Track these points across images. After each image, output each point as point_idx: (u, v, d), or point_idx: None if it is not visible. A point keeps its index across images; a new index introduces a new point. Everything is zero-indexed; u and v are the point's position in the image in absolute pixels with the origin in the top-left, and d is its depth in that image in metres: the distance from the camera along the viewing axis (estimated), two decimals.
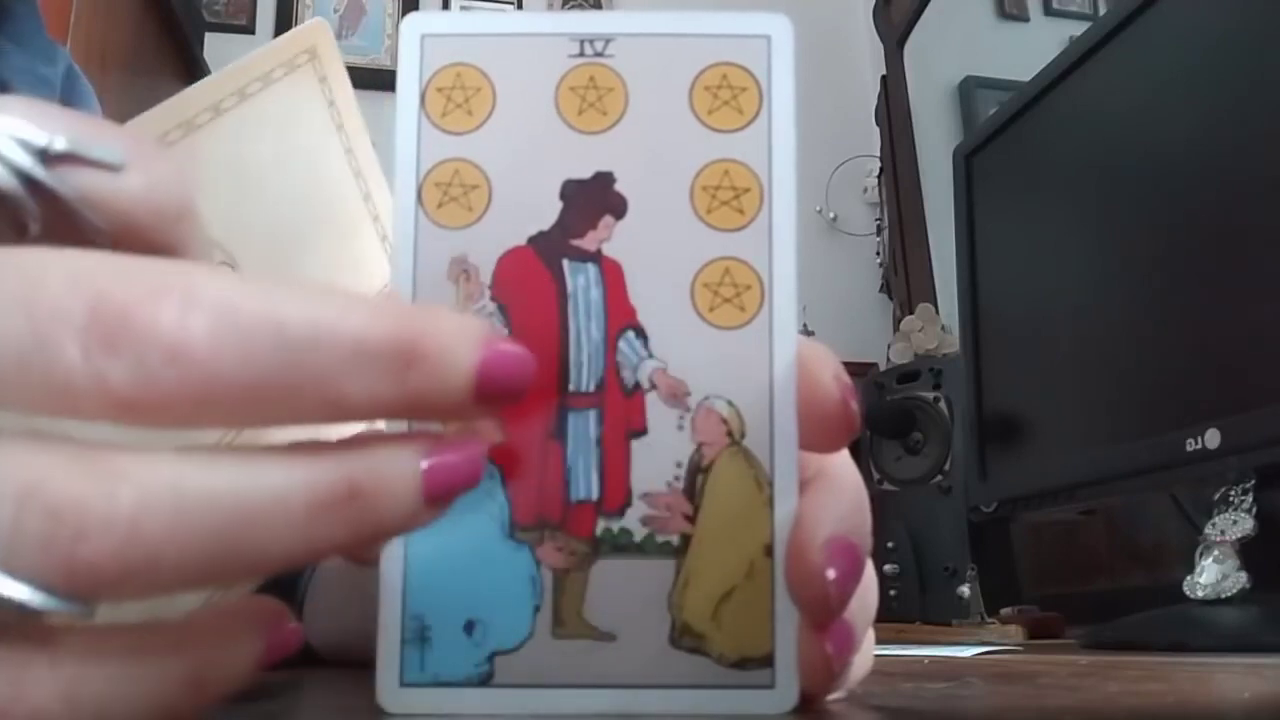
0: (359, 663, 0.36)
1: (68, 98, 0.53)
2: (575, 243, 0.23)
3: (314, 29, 0.29)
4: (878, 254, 2.12)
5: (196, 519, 0.15)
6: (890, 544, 1.12)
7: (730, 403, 0.22)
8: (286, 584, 0.47)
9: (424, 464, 0.18)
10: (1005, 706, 0.26)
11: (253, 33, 2.22)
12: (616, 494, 0.22)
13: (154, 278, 0.16)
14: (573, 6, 2.31)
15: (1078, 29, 1.51)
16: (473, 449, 0.19)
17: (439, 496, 0.18)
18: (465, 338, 0.18)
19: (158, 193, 0.18)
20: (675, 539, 0.22)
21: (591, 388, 0.22)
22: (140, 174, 0.18)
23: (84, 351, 0.15)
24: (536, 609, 0.21)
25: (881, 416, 1.17)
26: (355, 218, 0.32)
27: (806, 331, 1.63)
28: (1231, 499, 0.66)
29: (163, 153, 0.19)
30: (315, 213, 0.30)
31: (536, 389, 0.22)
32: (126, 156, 0.18)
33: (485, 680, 0.21)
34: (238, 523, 0.16)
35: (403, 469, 0.18)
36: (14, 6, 0.50)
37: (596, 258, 0.23)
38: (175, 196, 0.19)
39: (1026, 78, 0.93)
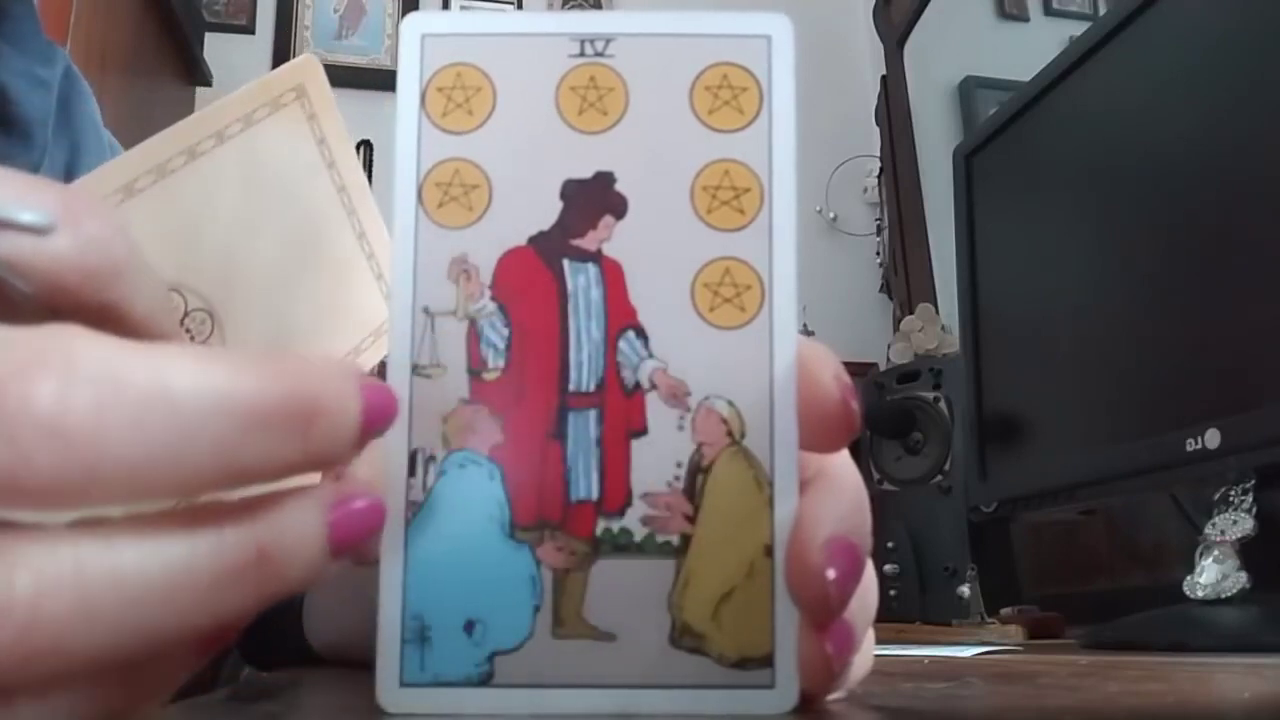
0: (359, 663, 0.36)
1: (66, 99, 0.53)
2: (576, 242, 0.23)
3: (303, 66, 0.28)
4: (878, 254, 2.12)
5: (99, 600, 0.15)
6: (890, 544, 1.12)
7: (730, 403, 0.22)
8: None
9: (329, 518, 0.18)
10: (1005, 706, 0.26)
11: (253, 33, 2.22)
12: (617, 494, 0.22)
13: (29, 350, 0.15)
14: (573, 6, 2.31)
15: (1078, 29, 1.51)
16: (374, 496, 0.19)
17: (345, 549, 0.18)
18: (349, 387, 0.18)
19: (89, 254, 0.17)
20: (675, 539, 0.22)
21: (592, 387, 0.22)
22: (70, 235, 0.17)
23: None
24: (536, 609, 0.21)
25: (881, 416, 1.17)
26: (348, 258, 0.31)
27: (806, 331, 1.63)
28: (1231, 499, 0.66)
29: (97, 210, 0.18)
30: (304, 255, 0.29)
31: (537, 388, 0.22)
32: (55, 217, 0.17)
33: (485, 680, 0.21)
34: (143, 599, 0.15)
35: (309, 527, 0.18)
36: (12, 8, 0.50)
37: (597, 257, 0.23)
38: (109, 256, 0.18)
39: (1026, 78, 0.93)
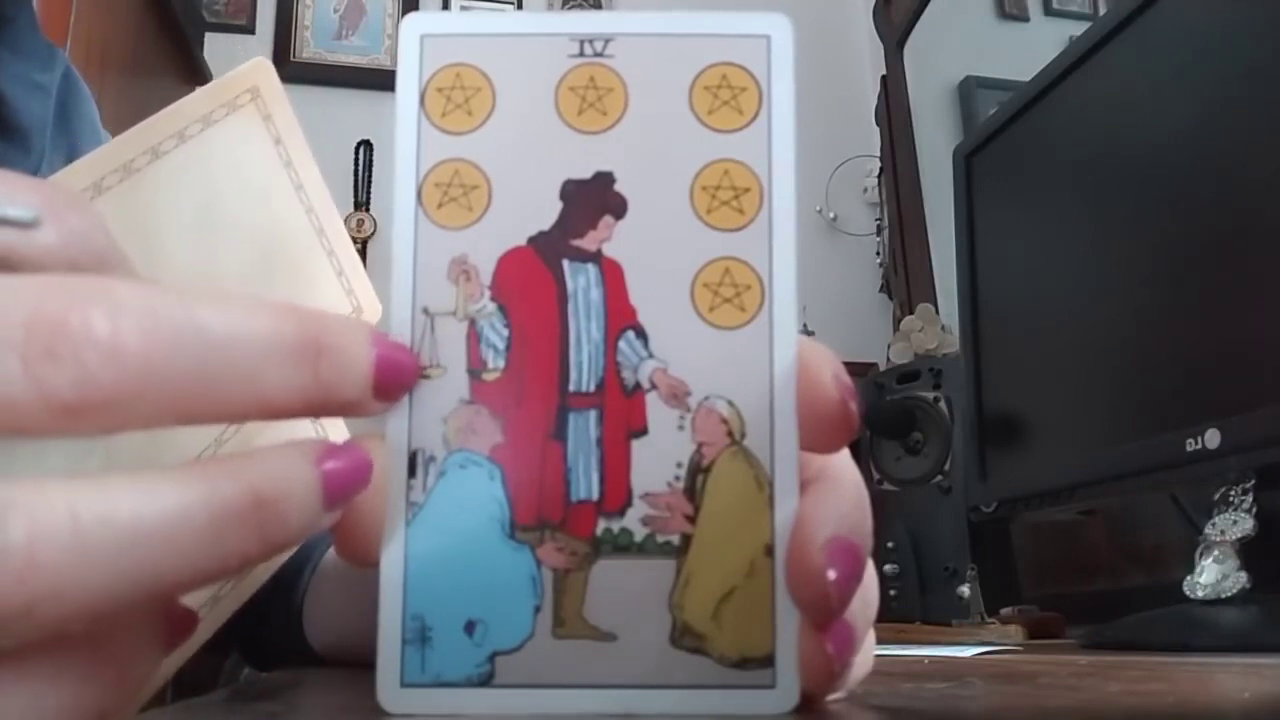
0: (359, 663, 0.36)
1: (64, 102, 0.53)
2: (575, 243, 0.23)
3: (255, 68, 0.29)
4: (878, 254, 2.12)
5: (96, 544, 0.15)
6: (890, 544, 1.12)
7: (730, 403, 0.22)
8: (286, 585, 0.47)
9: (320, 467, 0.19)
10: (1005, 706, 0.26)
11: (253, 32, 2.22)
12: (617, 494, 0.22)
13: (79, 289, 0.16)
14: (573, 6, 2.31)
15: (1078, 29, 1.51)
16: (356, 451, 0.20)
17: (338, 498, 0.19)
18: (359, 334, 0.19)
19: (73, 245, 0.18)
20: (676, 539, 0.22)
21: (592, 388, 0.22)
22: (55, 228, 0.18)
23: (24, 363, 0.15)
24: (537, 609, 0.21)
25: (881, 416, 1.17)
26: (309, 254, 0.32)
27: (806, 331, 1.63)
28: (1231, 499, 0.66)
29: (78, 205, 0.19)
30: (265, 251, 0.30)
31: (537, 389, 0.22)
32: (40, 212, 0.18)
33: (486, 680, 0.21)
34: (140, 543, 0.16)
35: (301, 473, 0.18)
36: (11, 13, 0.50)
37: (597, 258, 0.23)
38: (91, 247, 0.19)
39: (1026, 78, 0.93)
